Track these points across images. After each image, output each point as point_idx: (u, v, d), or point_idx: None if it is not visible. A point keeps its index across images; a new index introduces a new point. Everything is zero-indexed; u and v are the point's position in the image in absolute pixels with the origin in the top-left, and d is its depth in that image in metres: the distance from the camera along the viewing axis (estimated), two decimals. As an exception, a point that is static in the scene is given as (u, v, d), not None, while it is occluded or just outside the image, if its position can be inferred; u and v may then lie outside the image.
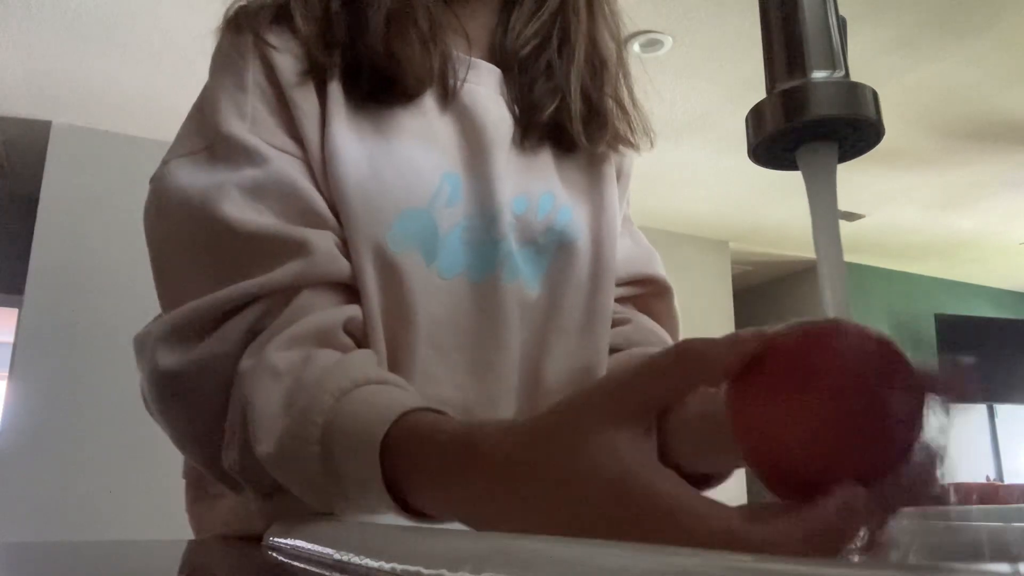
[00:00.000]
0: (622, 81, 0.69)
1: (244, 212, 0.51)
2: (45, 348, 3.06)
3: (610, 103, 0.67)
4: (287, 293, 0.50)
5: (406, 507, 0.40)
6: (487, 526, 0.35)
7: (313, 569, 0.33)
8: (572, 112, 0.64)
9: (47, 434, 3.00)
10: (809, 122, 0.35)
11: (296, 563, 0.36)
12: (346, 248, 0.53)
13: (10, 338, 3.33)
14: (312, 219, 0.53)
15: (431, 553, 0.25)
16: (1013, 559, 0.34)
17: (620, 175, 0.72)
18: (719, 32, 2.72)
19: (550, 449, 0.32)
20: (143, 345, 0.51)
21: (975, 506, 0.55)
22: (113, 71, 2.91)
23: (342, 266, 0.52)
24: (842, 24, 0.37)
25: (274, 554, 0.41)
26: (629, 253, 0.70)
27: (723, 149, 3.62)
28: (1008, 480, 5.23)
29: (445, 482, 0.37)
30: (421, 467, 0.39)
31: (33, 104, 3.16)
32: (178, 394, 0.51)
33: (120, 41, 2.72)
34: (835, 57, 0.36)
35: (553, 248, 0.62)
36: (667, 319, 0.71)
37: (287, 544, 0.40)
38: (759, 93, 0.38)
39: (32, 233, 3.17)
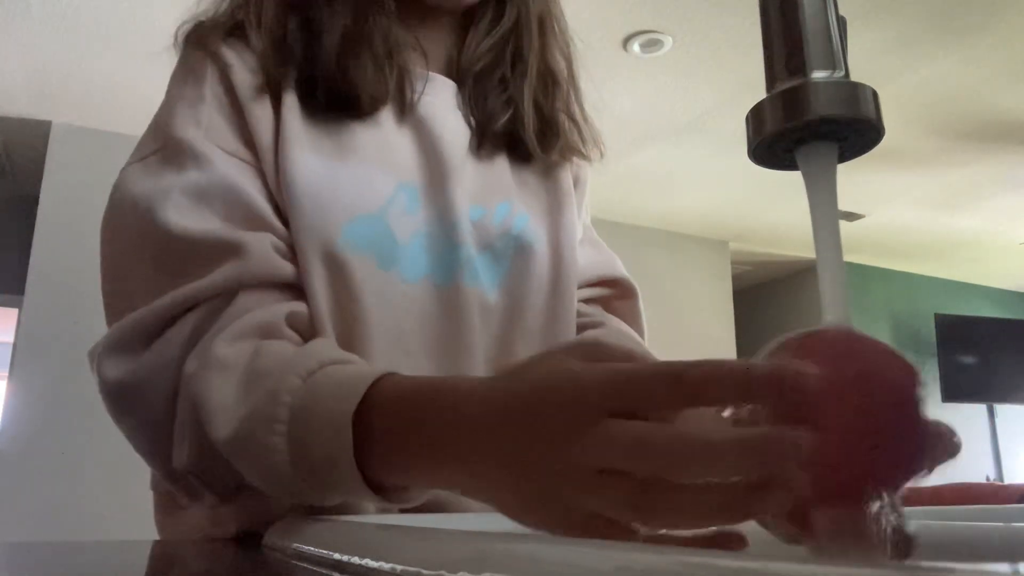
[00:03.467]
0: (573, 96, 0.72)
1: (185, 217, 0.51)
2: (45, 348, 3.06)
3: (562, 117, 0.70)
4: (225, 296, 0.50)
5: (372, 484, 0.40)
6: (463, 470, 0.36)
7: (313, 569, 0.33)
8: (526, 123, 0.66)
9: (47, 434, 3.00)
10: (809, 122, 0.35)
11: (296, 563, 0.36)
12: (290, 250, 0.54)
13: (10, 338, 3.33)
14: (254, 222, 0.53)
15: (431, 554, 0.25)
16: (1013, 559, 0.34)
17: (577, 183, 0.74)
18: (719, 32, 2.72)
19: (521, 378, 0.34)
20: (92, 359, 0.52)
21: (975, 506, 0.55)
22: (113, 71, 2.91)
23: (279, 266, 0.53)
24: (842, 24, 0.37)
25: (274, 554, 0.41)
26: (592, 258, 0.73)
27: (723, 149, 3.62)
28: (1008, 480, 5.23)
29: (422, 431, 0.38)
30: (397, 420, 0.39)
31: (33, 104, 3.16)
32: (126, 405, 0.51)
33: (120, 41, 2.72)
34: (835, 57, 0.36)
35: (511, 253, 0.64)
36: (632, 319, 0.74)
37: (287, 544, 0.40)
38: (759, 93, 0.38)
39: (32, 233, 3.17)
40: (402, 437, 0.39)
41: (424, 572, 0.24)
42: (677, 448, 0.28)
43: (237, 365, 0.46)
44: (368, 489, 0.40)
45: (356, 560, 0.29)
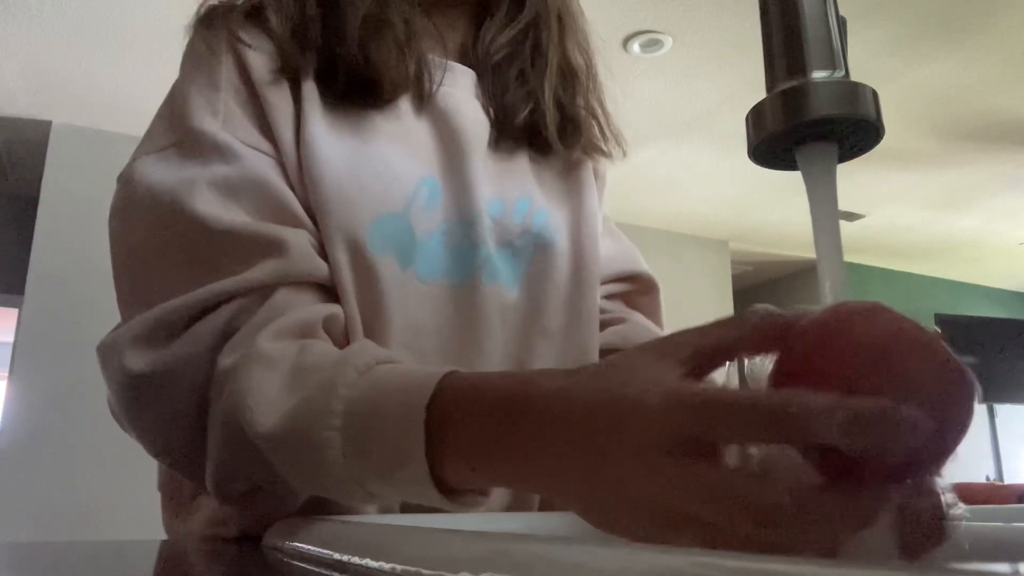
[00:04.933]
0: (593, 91, 0.70)
1: (216, 209, 0.50)
2: (45, 348, 3.06)
3: (582, 112, 0.68)
4: (263, 292, 0.49)
5: (440, 482, 0.38)
6: (538, 471, 0.34)
7: (313, 569, 0.33)
8: (546, 118, 0.65)
9: (47, 434, 3.00)
10: (809, 122, 0.35)
11: (296, 563, 0.36)
12: (322, 248, 0.53)
13: (10, 338, 3.34)
14: (286, 218, 0.52)
15: (431, 554, 0.25)
16: (1013, 559, 0.34)
17: (596, 177, 0.73)
18: (719, 32, 2.72)
19: (602, 384, 0.32)
20: (109, 352, 0.49)
21: (975, 506, 0.55)
22: (113, 71, 2.91)
23: (319, 265, 0.52)
24: (842, 24, 0.37)
25: (274, 554, 0.41)
26: (612, 252, 0.72)
27: (723, 149, 3.62)
28: (1008, 480, 5.23)
29: (498, 431, 0.35)
30: (471, 420, 0.37)
31: (33, 104, 3.16)
32: (149, 397, 0.49)
33: (120, 41, 2.72)
34: (835, 57, 0.36)
35: (531, 250, 0.63)
36: (654, 315, 0.73)
37: (287, 544, 0.40)
38: (759, 93, 0.38)
39: (32, 233, 3.17)
40: (476, 432, 0.37)
41: (424, 572, 0.24)
42: (776, 405, 0.26)
43: (283, 359, 0.45)
44: (434, 487, 0.38)
45: (356, 560, 0.29)
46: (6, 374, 3.19)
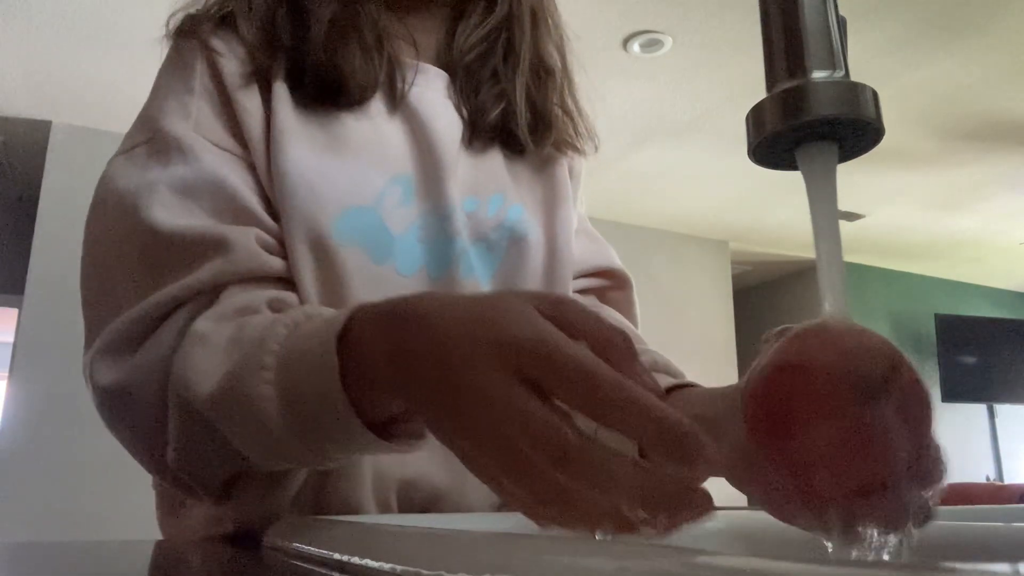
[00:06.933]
0: (567, 89, 0.71)
1: (171, 213, 0.51)
2: (45, 348, 3.05)
3: (556, 110, 0.69)
4: (212, 292, 0.50)
5: (368, 421, 0.38)
6: (416, 398, 0.35)
7: (313, 569, 0.33)
8: (518, 117, 0.66)
9: (47, 434, 3.00)
10: (809, 122, 0.35)
11: (296, 563, 0.36)
12: (279, 245, 0.54)
13: (10, 338, 3.34)
14: (241, 216, 0.53)
15: (431, 554, 0.25)
16: (1013, 559, 0.34)
17: (571, 175, 0.74)
18: (719, 32, 2.72)
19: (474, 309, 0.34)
20: (85, 369, 0.51)
21: (975, 506, 0.55)
22: (113, 71, 2.91)
23: (264, 261, 0.52)
24: (842, 24, 0.37)
25: (274, 554, 0.41)
26: (587, 248, 0.73)
27: (723, 149, 3.62)
28: (1008, 480, 5.23)
29: (389, 355, 0.36)
30: (374, 346, 0.37)
31: (33, 104, 3.16)
32: (120, 410, 0.50)
33: (120, 41, 2.72)
34: (835, 57, 0.36)
35: (505, 244, 0.64)
36: (626, 309, 0.74)
37: (287, 544, 0.40)
38: (759, 93, 0.38)
39: (32, 233, 3.17)
40: (379, 357, 0.37)
41: (424, 572, 0.24)
42: (607, 381, 0.29)
43: (220, 335, 0.45)
44: (360, 423, 0.38)
45: (356, 560, 0.29)
46: (6, 374, 3.18)
